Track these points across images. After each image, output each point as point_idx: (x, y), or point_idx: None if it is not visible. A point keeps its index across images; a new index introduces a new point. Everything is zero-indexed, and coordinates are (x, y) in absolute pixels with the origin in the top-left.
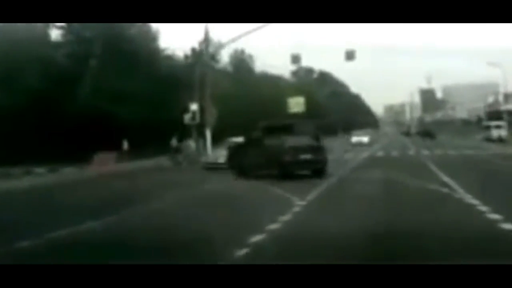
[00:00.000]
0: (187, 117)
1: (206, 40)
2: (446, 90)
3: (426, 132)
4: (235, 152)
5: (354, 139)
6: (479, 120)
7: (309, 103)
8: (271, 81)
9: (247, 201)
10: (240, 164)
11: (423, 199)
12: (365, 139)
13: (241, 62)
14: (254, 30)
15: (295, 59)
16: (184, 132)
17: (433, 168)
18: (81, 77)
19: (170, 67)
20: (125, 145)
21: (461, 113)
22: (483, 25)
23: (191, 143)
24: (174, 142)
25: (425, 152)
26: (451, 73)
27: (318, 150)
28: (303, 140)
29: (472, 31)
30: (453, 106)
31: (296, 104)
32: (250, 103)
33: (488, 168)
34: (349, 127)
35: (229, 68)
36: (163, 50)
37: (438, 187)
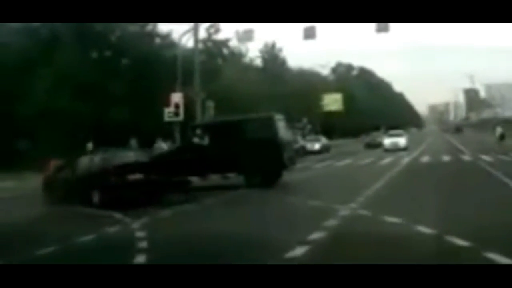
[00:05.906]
0: (167, 113)
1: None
2: (489, 89)
3: (457, 128)
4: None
5: (388, 141)
6: None
7: (347, 100)
8: (306, 76)
9: None
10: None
11: None
12: (402, 141)
13: (272, 56)
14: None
15: (309, 32)
16: (165, 133)
17: None
18: (42, 67)
19: (165, 57)
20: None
21: (509, 112)
22: None
23: (163, 146)
24: (132, 145)
25: (486, 157)
26: (494, 73)
27: (152, 168)
28: (130, 155)
29: None
30: (500, 104)
31: (333, 101)
32: (280, 99)
33: None
34: (393, 126)
35: (259, 63)
36: (165, 36)
37: None
